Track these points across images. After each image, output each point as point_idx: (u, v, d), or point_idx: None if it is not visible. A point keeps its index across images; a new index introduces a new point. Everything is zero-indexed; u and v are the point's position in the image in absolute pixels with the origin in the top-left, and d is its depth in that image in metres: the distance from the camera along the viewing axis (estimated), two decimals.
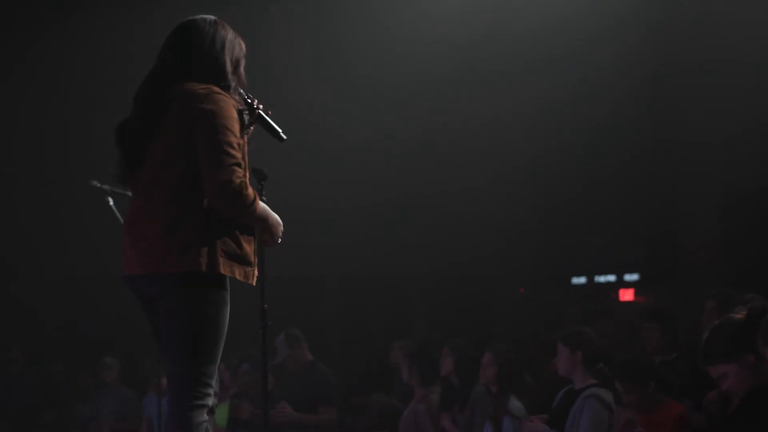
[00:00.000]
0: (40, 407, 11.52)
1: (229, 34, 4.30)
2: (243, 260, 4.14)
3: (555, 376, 7.17)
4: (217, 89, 4.13)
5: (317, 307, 13.49)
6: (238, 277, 4.13)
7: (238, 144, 4.06)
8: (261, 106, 4.42)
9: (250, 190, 4.06)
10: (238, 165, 4.03)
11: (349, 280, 14.04)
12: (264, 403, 5.61)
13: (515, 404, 7.16)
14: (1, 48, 11.83)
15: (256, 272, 4.22)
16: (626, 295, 14.57)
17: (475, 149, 12.96)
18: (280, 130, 4.48)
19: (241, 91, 4.32)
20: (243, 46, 4.36)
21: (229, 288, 4.16)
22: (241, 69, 4.32)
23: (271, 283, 5.43)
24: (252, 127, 4.40)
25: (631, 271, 14.57)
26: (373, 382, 9.90)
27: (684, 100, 12.31)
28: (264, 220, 4.21)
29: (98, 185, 7.33)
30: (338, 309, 14.19)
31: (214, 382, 4.15)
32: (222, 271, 4.05)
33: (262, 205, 4.17)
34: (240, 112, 4.16)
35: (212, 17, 4.33)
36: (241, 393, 9.28)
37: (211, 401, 4.14)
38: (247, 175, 4.11)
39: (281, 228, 4.30)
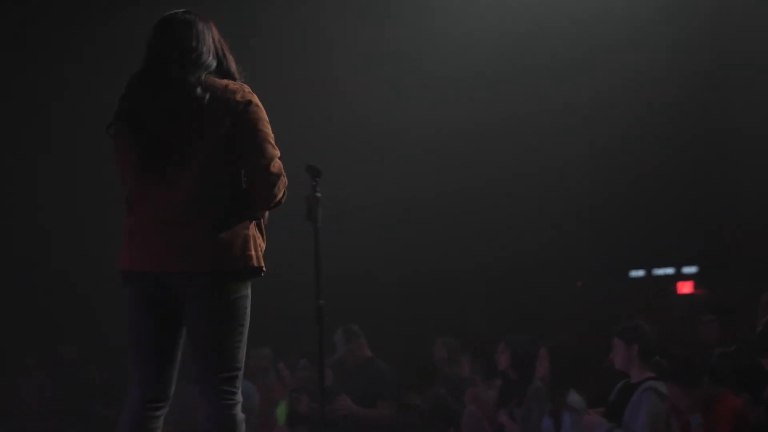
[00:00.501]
0: (105, 404, 11.63)
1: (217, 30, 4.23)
2: (263, 254, 4.13)
3: (612, 369, 7.15)
4: (245, 85, 4.13)
5: (374, 304, 13.48)
6: (264, 271, 4.10)
7: None
8: None
9: None
10: (280, 158, 4.08)
11: (406, 275, 14.04)
12: (321, 398, 5.62)
13: (575, 398, 7.12)
14: (47, 49, 12.03)
15: None
16: (685, 287, 14.49)
17: (532, 142, 12.92)
18: None
19: None
20: None
21: None
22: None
23: (328, 279, 5.47)
24: None
25: (689, 264, 14.48)
26: (422, 379, 9.96)
27: (743, 91, 12.19)
28: None
29: None
30: (394, 305, 14.19)
31: None
32: (262, 265, 4.06)
33: None
34: None
35: (196, 12, 4.21)
36: (300, 388, 9.34)
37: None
38: None
39: None
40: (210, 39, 4.13)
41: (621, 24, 11.51)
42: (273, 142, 4.05)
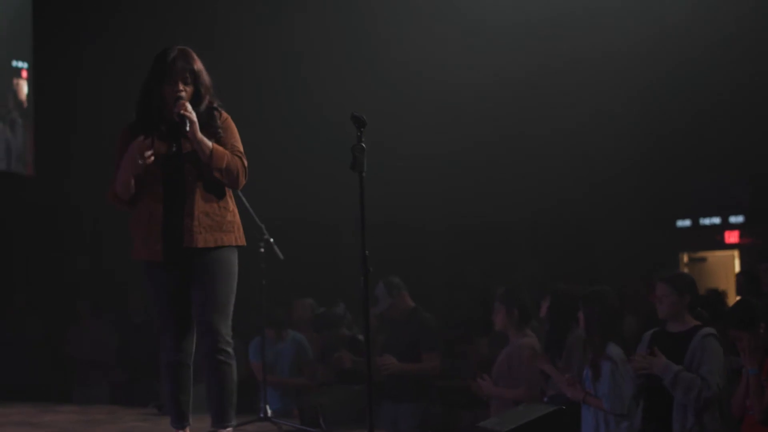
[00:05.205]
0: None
1: None
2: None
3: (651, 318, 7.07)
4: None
5: (419, 255, 13.51)
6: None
7: None
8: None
9: None
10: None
11: (452, 226, 14.07)
12: (367, 349, 5.56)
13: (614, 349, 7.07)
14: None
15: None
16: (731, 237, 14.42)
17: (578, 91, 12.91)
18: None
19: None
20: None
21: None
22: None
23: (373, 229, 5.48)
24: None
25: (736, 213, 14.40)
26: (475, 330, 9.92)
27: None
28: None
29: None
30: (441, 256, 14.21)
31: None
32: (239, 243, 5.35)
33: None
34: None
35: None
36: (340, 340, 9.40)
37: None
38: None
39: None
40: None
41: None
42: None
